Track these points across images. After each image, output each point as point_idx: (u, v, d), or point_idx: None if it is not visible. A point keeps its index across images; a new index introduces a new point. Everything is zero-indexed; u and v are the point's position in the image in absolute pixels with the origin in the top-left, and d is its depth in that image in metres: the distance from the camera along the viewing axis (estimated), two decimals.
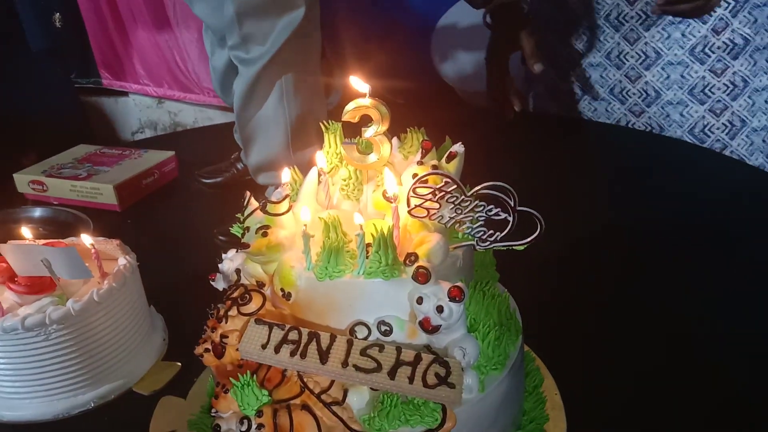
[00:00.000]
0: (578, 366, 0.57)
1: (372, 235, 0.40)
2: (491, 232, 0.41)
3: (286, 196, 0.43)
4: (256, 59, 0.79)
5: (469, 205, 0.41)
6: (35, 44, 2.07)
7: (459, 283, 0.39)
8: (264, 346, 0.40)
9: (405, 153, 0.47)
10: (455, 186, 0.40)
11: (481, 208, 0.40)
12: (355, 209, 0.46)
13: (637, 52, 1.01)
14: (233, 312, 0.42)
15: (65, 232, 0.86)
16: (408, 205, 0.42)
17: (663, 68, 1.00)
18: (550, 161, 1.03)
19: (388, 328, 0.40)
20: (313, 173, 0.46)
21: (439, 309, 0.38)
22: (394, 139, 0.47)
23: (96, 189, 0.94)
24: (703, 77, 0.98)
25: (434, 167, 0.43)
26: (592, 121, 1.10)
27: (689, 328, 0.63)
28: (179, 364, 0.60)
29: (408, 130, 0.47)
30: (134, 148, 1.06)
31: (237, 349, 0.41)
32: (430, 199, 0.41)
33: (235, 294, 0.43)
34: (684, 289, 0.69)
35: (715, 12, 0.93)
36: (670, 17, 0.96)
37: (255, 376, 0.40)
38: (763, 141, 0.99)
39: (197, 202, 0.97)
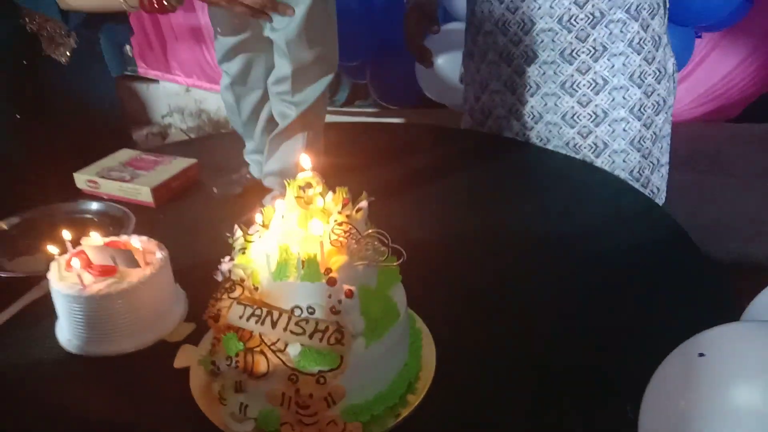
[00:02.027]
0: (454, 331, 0.85)
1: (307, 256, 0.69)
2: (377, 257, 0.70)
3: (257, 230, 0.72)
4: (299, 103, 1.08)
5: (364, 240, 0.70)
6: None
7: (352, 287, 0.68)
8: (241, 317, 0.69)
9: (335, 202, 0.75)
10: (356, 231, 0.69)
11: (371, 244, 0.69)
12: (303, 234, 0.75)
13: (528, 83, 1.35)
14: (225, 296, 0.72)
15: (114, 223, 1.16)
16: (330, 238, 0.70)
17: (542, 97, 1.34)
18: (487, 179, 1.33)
19: (313, 310, 0.69)
20: (278, 213, 0.75)
21: (340, 301, 0.67)
22: (330, 193, 0.76)
23: (137, 189, 1.24)
24: (572, 106, 1.31)
25: (348, 216, 0.72)
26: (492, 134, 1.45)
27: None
28: (194, 324, 0.90)
29: (337, 189, 0.76)
30: (166, 155, 1.36)
31: (227, 318, 0.71)
32: (343, 236, 0.70)
33: (227, 285, 0.72)
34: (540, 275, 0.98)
35: (579, 56, 1.27)
36: (544, 59, 1.31)
37: (236, 333, 0.70)
38: (623, 161, 1.32)
39: (213, 202, 1.26)
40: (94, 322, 0.83)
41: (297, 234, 0.73)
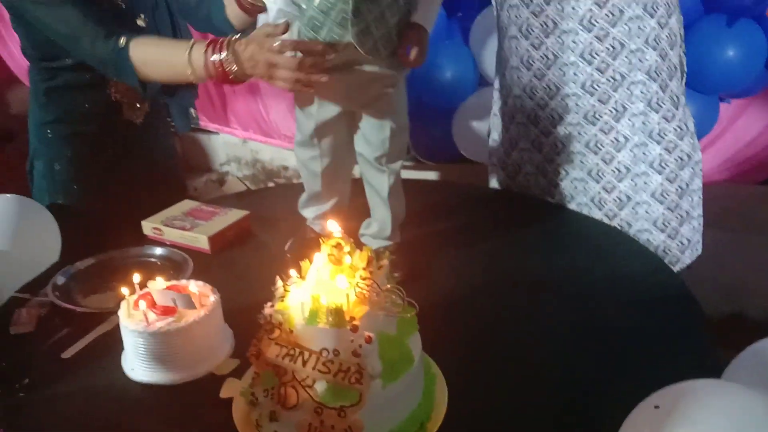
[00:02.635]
0: (466, 379, 0.95)
1: (334, 305, 0.81)
2: (394, 308, 0.82)
3: (295, 282, 0.85)
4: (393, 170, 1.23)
5: (384, 294, 0.81)
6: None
7: (371, 334, 0.79)
8: (277, 356, 0.81)
9: (361, 260, 0.88)
10: (377, 285, 0.81)
11: (389, 297, 0.81)
12: (334, 284, 0.87)
13: (554, 143, 1.44)
14: (265, 337, 0.84)
15: (175, 267, 1.31)
16: (355, 290, 0.82)
17: (568, 155, 1.43)
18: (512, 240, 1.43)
19: (338, 352, 0.81)
20: (314, 266, 0.88)
21: (360, 345, 0.79)
22: (357, 252, 0.88)
23: (195, 237, 1.39)
24: (597, 163, 1.39)
25: (371, 272, 0.84)
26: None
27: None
28: (239, 360, 1.02)
29: (363, 248, 0.88)
30: (223, 206, 1.51)
31: (266, 356, 0.83)
32: (366, 289, 0.82)
33: (267, 327, 0.85)
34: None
35: (601, 117, 1.37)
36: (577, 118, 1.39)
37: (273, 370, 0.82)
38: (646, 212, 1.40)
39: (263, 251, 1.40)
40: (155, 354, 0.97)
41: (328, 286, 0.86)
